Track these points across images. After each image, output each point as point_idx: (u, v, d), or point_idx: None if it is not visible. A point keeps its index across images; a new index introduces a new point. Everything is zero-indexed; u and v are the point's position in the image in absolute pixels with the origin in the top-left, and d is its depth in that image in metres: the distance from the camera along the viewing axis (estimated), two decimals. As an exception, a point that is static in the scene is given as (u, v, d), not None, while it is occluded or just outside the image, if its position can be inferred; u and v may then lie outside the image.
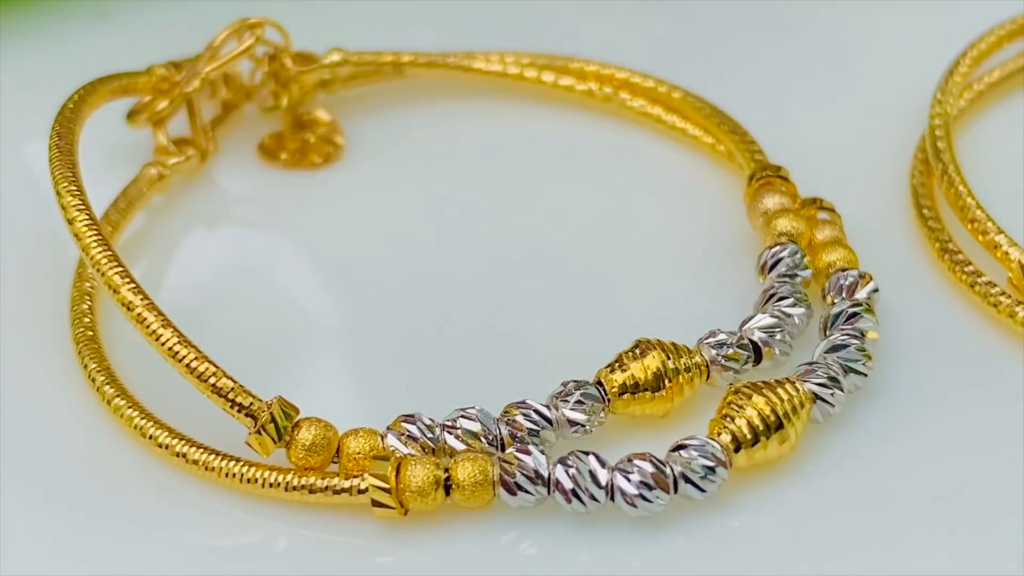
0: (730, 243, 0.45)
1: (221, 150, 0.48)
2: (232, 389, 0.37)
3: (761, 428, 0.38)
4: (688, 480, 0.37)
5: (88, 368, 0.40)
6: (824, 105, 0.49)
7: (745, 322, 0.40)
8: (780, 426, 0.38)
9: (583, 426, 0.39)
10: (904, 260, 0.44)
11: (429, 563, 0.37)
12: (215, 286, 0.44)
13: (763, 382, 0.39)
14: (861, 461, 0.39)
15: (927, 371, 0.41)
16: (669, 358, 0.39)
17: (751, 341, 0.40)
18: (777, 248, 0.42)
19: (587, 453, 0.37)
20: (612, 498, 0.37)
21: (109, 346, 0.41)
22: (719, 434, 0.38)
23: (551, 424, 0.39)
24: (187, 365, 0.37)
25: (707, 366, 0.40)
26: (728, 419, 0.38)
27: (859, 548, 0.37)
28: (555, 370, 0.40)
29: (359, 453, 0.38)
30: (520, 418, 0.38)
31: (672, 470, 0.37)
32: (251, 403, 0.38)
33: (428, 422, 0.38)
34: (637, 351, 0.40)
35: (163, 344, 0.38)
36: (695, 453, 0.37)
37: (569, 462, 0.37)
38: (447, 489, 0.37)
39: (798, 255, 0.42)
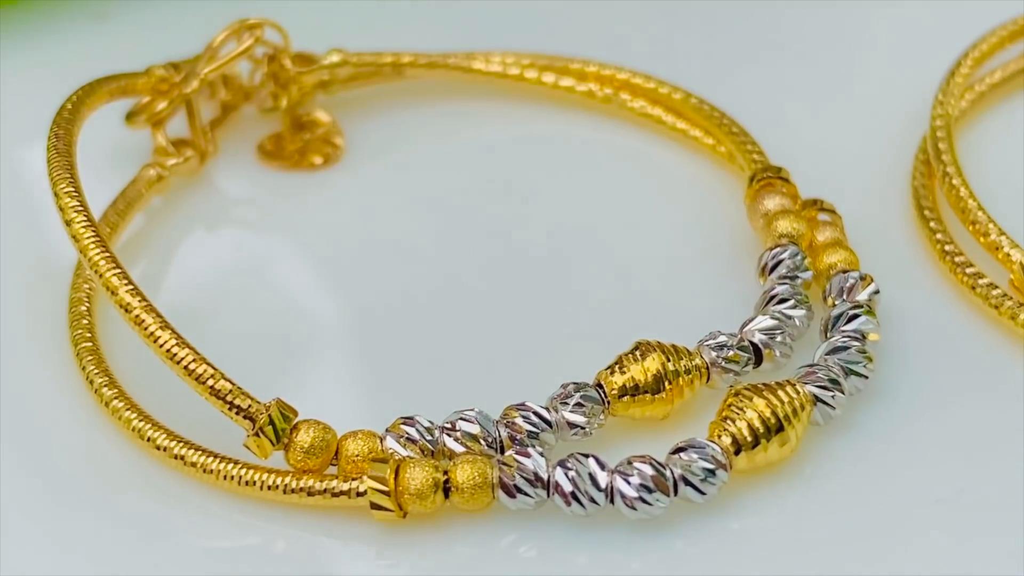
0: (730, 245, 0.45)
1: (220, 151, 0.48)
2: (230, 391, 0.37)
3: (761, 430, 0.38)
4: (688, 483, 0.37)
5: (86, 370, 0.40)
6: (825, 106, 0.49)
7: (745, 324, 0.40)
8: (780, 428, 0.38)
9: (583, 428, 0.39)
10: (905, 262, 0.44)
11: (428, 566, 0.37)
12: (214, 287, 0.44)
13: (763, 384, 0.38)
14: (862, 463, 0.39)
15: (928, 373, 0.41)
16: (669, 360, 0.39)
17: (751, 343, 0.40)
18: (778, 250, 0.42)
19: (587, 456, 0.37)
20: (612, 501, 0.37)
21: (107, 348, 0.41)
22: (719, 436, 0.38)
23: (551, 426, 0.38)
24: (185, 367, 0.37)
25: (707, 368, 0.40)
26: (728, 421, 0.38)
27: (860, 551, 0.37)
28: (555, 372, 0.40)
29: (358, 455, 0.38)
30: (519, 420, 0.38)
31: (672, 473, 0.37)
32: (249, 405, 0.37)
33: (427, 424, 0.38)
34: (637, 353, 0.39)
35: (161, 346, 0.38)
36: (695, 456, 0.37)
37: (569, 464, 0.37)
38: (446, 492, 0.37)
39: (799, 257, 0.42)
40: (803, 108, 0.49)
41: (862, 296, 0.41)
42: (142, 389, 0.40)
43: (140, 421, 0.39)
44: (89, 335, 0.41)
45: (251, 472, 0.38)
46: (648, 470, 0.37)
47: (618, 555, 0.37)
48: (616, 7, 0.53)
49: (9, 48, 0.51)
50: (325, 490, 0.38)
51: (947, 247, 0.43)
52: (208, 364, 0.37)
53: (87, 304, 0.42)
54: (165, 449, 0.38)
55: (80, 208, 0.39)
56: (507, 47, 0.50)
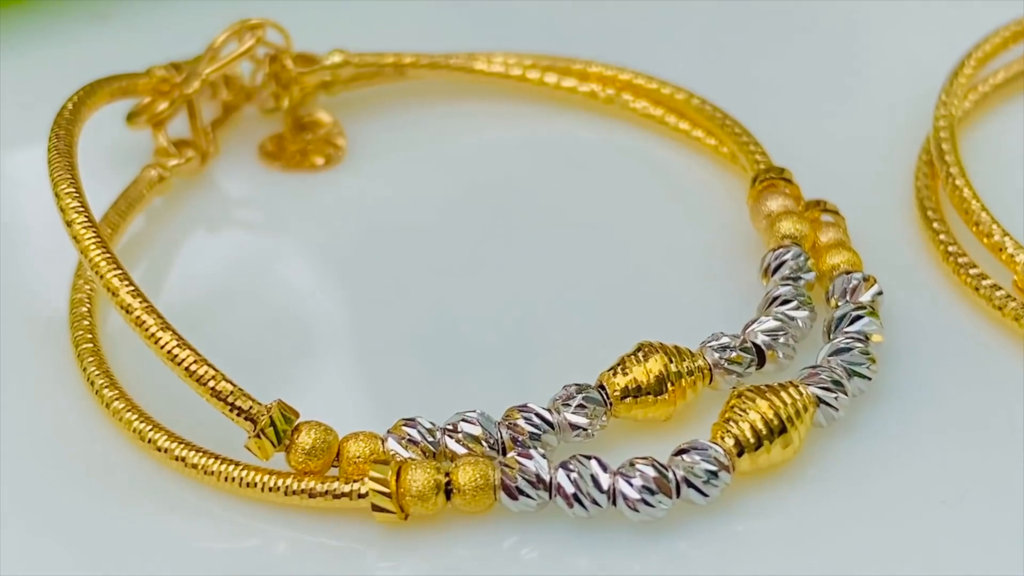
0: (733, 245, 0.44)
1: (222, 152, 0.48)
2: (231, 392, 0.37)
3: (764, 432, 0.38)
4: (691, 484, 0.37)
5: (87, 371, 0.40)
6: (828, 107, 0.49)
7: (748, 325, 0.40)
8: (783, 430, 0.38)
9: (585, 430, 0.39)
10: (908, 263, 0.44)
11: (429, 568, 0.37)
12: (215, 288, 0.44)
13: (766, 386, 0.38)
14: (865, 465, 0.39)
15: (931, 374, 0.41)
16: (672, 361, 0.39)
17: (754, 344, 0.40)
18: (781, 251, 0.42)
19: (589, 457, 0.37)
20: (614, 502, 0.37)
21: (108, 349, 0.41)
22: (722, 438, 0.38)
23: (553, 428, 0.38)
24: (186, 368, 0.37)
25: (710, 369, 0.40)
26: (731, 423, 0.38)
27: (863, 552, 0.37)
28: (557, 373, 0.40)
29: (359, 457, 0.38)
30: (521, 422, 0.38)
31: (674, 474, 0.37)
32: (250, 407, 0.37)
33: (429, 426, 0.38)
34: (639, 354, 0.39)
35: (162, 347, 0.37)
36: (698, 457, 0.37)
37: (571, 466, 0.37)
38: (448, 493, 0.37)
39: (802, 258, 0.42)
40: (806, 109, 0.49)
41: (865, 297, 0.41)
42: (143, 390, 0.40)
43: (141, 422, 0.39)
44: (90, 336, 0.41)
45: (252, 474, 0.38)
46: (650, 472, 0.37)
47: (620, 557, 0.37)
48: (618, 7, 0.53)
49: (10, 48, 0.51)
50: (326, 492, 0.37)
51: (950, 248, 0.43)
52: (209, 365, 0.37)
53: (88, 305, 0.42)
54: (166, 451, 0.38)
55: (81, 209, 0.39)
56: (509, 48, 0.49)
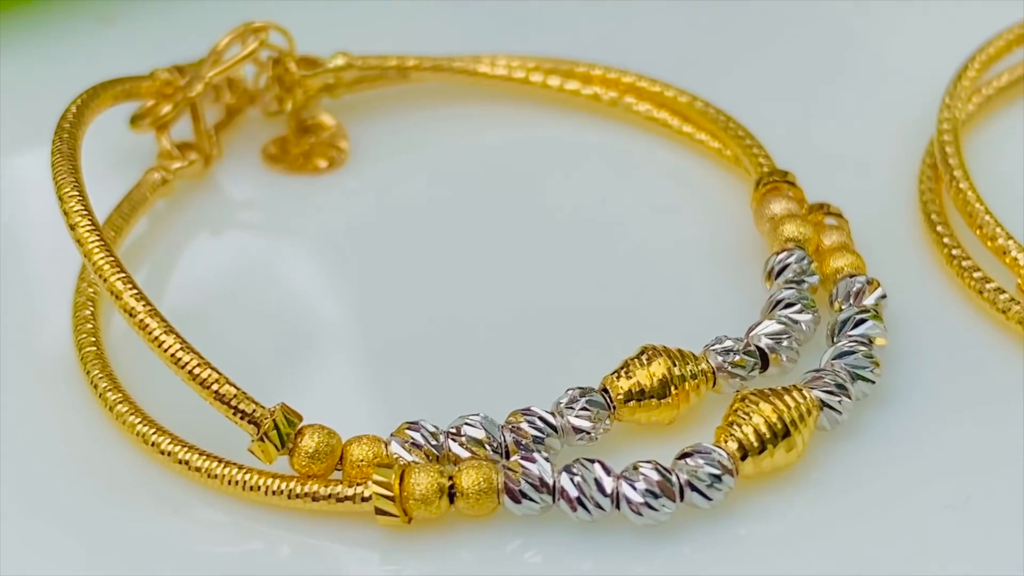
0: (737, 249, 0.44)
1: (225, 154, 0.48)
2: (235, 396, 0.37)
3: (768, 436, 0.38)
4: (694, 488, 0.37)
5: (90, 374, 0.40)
6: (832, 110, 0.49)
7: (752, 328, 0.40)
8: (787, 434, 0.38)
9: (588, 433, 0.39)
10: (912, 266, 0.44)
11: (432, 571, 0.37)
12: (218, 291, 0.44)
13: (770, 389, 0.38)
14: (869, 469, 0.39)
15: (935, 378, 0.41)
16: (675, 365, 0.39)
17: (758, 348, 0.40)
18: (784, 254, 0.42)
19: (592, 461, 0.37)
20: (618, 506, 0.37)
21: (111, 352, 0.41)
22: (725, 442, 0.38)
23: (556, 431, 0.38)
24: (190, 372, 0.37)
25: (713, 373, 0.39)
26: (735, 426, 0.38)
27: (867, 556, 0.37)
28: (560, 377, 0.40)
29: (363, 460, 0.38)
30: (525, 425, 0.38)
31: (678, 478, 0.37)
32: (254, 410, 0.37)
33: (432, 429, 0.38)
34: (643, 358, 0.39)
35: (166, 350, 0.37)
36: (701, 461, 0.37)
37: (574, 470, 0.37)
38: (451, 497, 0.37)
39: (805, 261, 0.42)
40: (810, 112, 0.49)
41: (869, 301, 0.41)
42: (146, 393, 0.40)
43: (144, 425, 0.39)
44: (94, 339, 0.41)
45: (256, 477, 0.38)
46: (654, 475, 0.37)
47: (624, 561, 0.37)
48: (621, 10, 0.53)
49: (14, 51, 0.51)
50: (330, 495, 0.37)
51: (954, 251, 0.43)
52: (213, 369, 0.37)
53: (91, 308, 0.42)
54: (169, 454, 0.38)
55: (84, 212, 0.39)
56: (512, 50, 0.49)
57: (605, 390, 0.39)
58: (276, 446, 0.37)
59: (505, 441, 0.38)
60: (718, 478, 0.37)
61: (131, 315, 0.38)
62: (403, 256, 0.45)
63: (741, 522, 0.38)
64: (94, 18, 0.52)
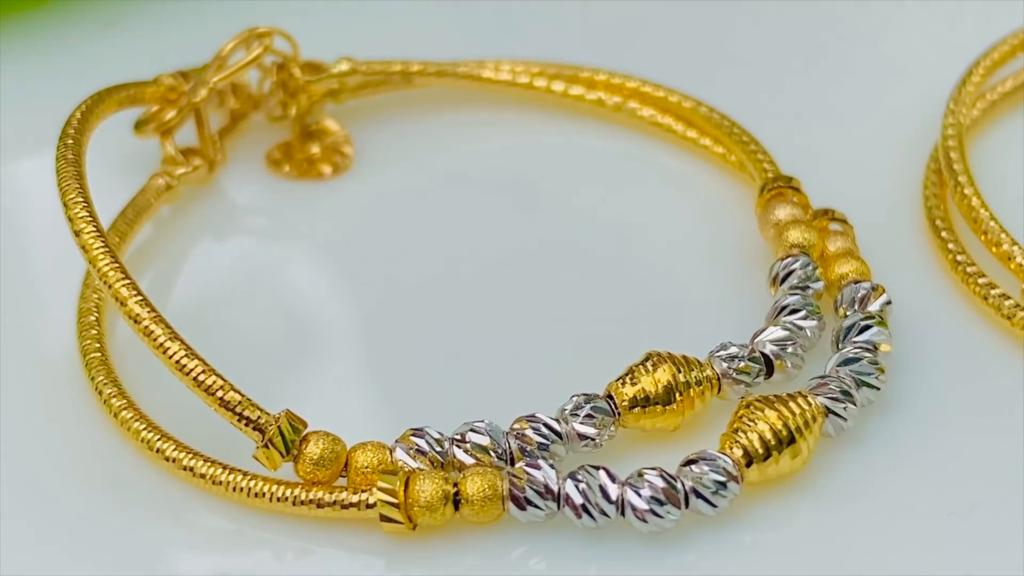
0: (741, 255, 0.44)
1: (229, 160, 0.48)
2: (239, 403, 0.37)
3: (773, 442, 0.38)
4: (699, 495, 0.37)
5: (95, 380, 0.40)
6: (836, 115, 0.49)
7: (756, 335, 0.40)
8: (792, 440, 0.38)
9: (593, 440, 0.39)
10: (917, 272, 0.44)
11: (438, 578, 0.37)
12: (223, 297, 0.44)
13: (775, 396, 0.38)
14: (874, 475, 0.39)
15: (940, 384, 0.41)
16: (680, 371, 0.39)
17: (763, 354, 0.40)
18: (789, 260, 0.42)
19: (597, 467, 0.37)
20: (622, 513, 0.37)
21: (116, 358, 0.41)
22: (730, 448, 0.38)
23: (561, 438, 0.38)
24: (194, 378, 0.37)
25: (718, 379, 0.39)
26: (740, 433, 0.38)
27: (872, 563, 0.37)
28: (565, 383, 0.40)
29: (367, 467, 0.38)
30: (530, 432, 0.38)
31: (683, 485, 0.37)
32: (259, 417, 0.37)
33: (437, 436, 0.38)
34: (648, 364, 0.39)
35: (170, 357, 0.37)
36: (706, 468, 0.37)
37: (579, 476, 0.37)
38: (456, 504, 0.37)
39: (810, 267, 0.42)
40: (814, 117, 0.49)
41: (874, 307, 0.41)
42: (151, 400, 0.40)
43: (149, 432, 0.39)
44: (98, 345, 0.41)
45: (260, 484, 0.38)
46: (659, 482, 0.37)
47: (628, 568, 0.37)
48: (625, 15, 0.53)
49: (18, 56, 0.51)
50: (334, 502, 0.37)
51: (959, 257, 0.43)
52: (217, 375, 0.37)
53: (96, 314, 0.42)
54: (174, 460, 0.38)
55: (89, 218, 0.39)
56: (517, 56, 0.49)
57: (610, 396, 0.39)
58: (281, 453, 0.37)
59: (510, 448, 0.38)
60: (723, 485, 0.37)
61: (135, 321, 0.38)
62: (408, 262, 0.45)
63: (746, 529, 0.38)
64: (98, 23, 0.52)
